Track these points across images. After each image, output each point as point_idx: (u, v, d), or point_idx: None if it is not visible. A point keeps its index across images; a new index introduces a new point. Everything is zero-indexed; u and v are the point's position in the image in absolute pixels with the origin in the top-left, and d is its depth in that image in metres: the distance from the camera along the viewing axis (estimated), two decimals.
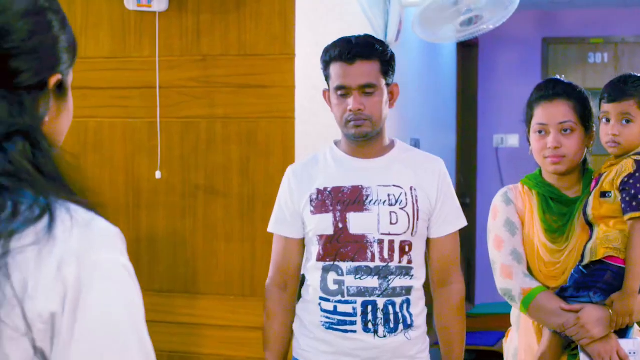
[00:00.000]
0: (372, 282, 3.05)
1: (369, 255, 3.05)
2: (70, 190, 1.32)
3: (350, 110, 3.03)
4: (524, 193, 3.24)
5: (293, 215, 3.17)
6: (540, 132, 3.13)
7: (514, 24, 7.37)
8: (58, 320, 1.22)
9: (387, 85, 3.10)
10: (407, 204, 3.08)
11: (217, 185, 4.06)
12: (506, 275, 3.13)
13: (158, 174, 4.07)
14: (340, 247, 3.07)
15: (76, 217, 1.28)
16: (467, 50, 8.69)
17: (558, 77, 3.25)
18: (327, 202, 3.09)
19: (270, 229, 3.25)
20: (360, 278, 3.05)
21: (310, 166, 3.20)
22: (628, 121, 3.03)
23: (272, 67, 3.96)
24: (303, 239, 3.20)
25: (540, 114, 3.13)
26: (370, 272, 3.04)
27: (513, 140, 8.74)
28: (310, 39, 4.10)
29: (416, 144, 6.32)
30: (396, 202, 3.07)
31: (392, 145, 3.21)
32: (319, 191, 3.12)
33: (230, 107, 4.03)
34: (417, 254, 3.12)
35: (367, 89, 3.04)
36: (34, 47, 1.36)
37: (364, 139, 3.09)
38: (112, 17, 4.16)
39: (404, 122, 6.02)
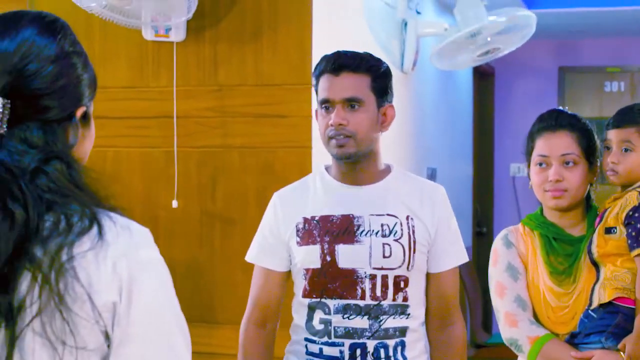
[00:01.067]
0: (362, 322, 2.75)
1: (359, 292, 2.75)
2: (101, 200, 1.61)
3: (332, 125, 2.76)
4: (525, 234, 3.04)
5: (277, 246, 2.89)
6: (541, 164, 2.97)
7: (530, 53, 7.40)
8: (117, 307, 1.52)
9: (380, 105, 2.83)
10: (402, 235, 2.78)
11: (234, 215, 4.07)
12: (511, 323, 2.93)
13: (175, 203, 4.08)
14: (328, 282, 2.78)
15: (117, 222, 1.59)
16: (484, 79, 8.70)
17: (562, 108, 3.14)
18: (314, 232, 2.81)
19: (249, 259, 3.00)
20: (348, 317, 2.76)
21: (299, 192, 2.93)
22: (627, 150, 2.91)
23: (289, 97, 3.97)
24: (286, 272, 2.92)
25: (542, 145, 2.98)
26: (359, 311, 2.75)
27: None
28: None
29: (433, 173, 6.31)
30: (390, 232, 2.78)
31: (387, 170, 2.92)
32: (305, 220, 2.84)
33: (247, 136, 4.04)
34: (415, 291, 2.83)
35: (352, 102, 2.76)
36: (61, 86, 1.61)
37: (349, 160, 2.80)
38: (130, 47, 4.18)
39: (421, 151, 6.02)
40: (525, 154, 3.07)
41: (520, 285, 2.98)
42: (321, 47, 4.02)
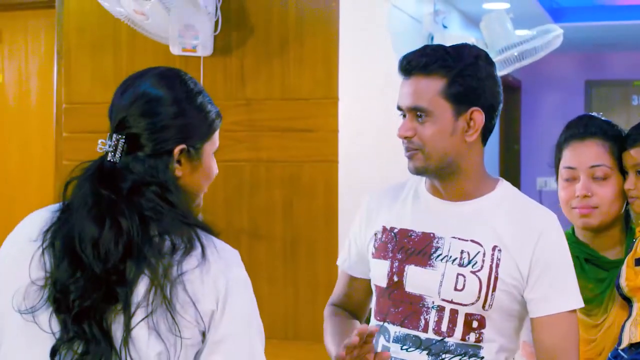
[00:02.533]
0: (420, 357, 2.36)
1: (422, 323, 2.36)
2: (190, 218, 1.98)
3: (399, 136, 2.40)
4: None
5: (359, 251, 2.56)
6: (567, 178, 2.63)
7: (557, 67, 7.39)
8: (215, 314, 1.89)
9: (459, 112, 2.34)
10: (482, 267, 2.32)
11: (261, 229, 4.07)
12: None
13: (200, 217, 4.08)
14: (392, 305, 2.42)
15: (215, 245, 1.96)
16: (510, 92, 8.68)
17: (594, 114, 2.77)
18: (389, 245, 2.45)
19: (337, 262, 2.68)
20: (407, 350, 2.38)
21: (391, 195, 2.55)
22: None
23: (315, 111, 3.98)
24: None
25: (569, 156, 2.63)
26: (419, 344, 2.36)
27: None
28: (354, 83, 4.12)
29: None
30: (469, 262, 2.34)
31: (492, 186, 2.44)
32: (384, 230, 2.48)
33: (273, 150, 4.05)
34: (495, 333, 2.35)
35: (418, 112, 2.34)
36: (154, 130, 1.96)
37: (423, 175, 2.44)
38: (157, 62, 4.20)
39: None
40: (554, 167, 2.74)
41: None
42: (348, 61, 4.03)
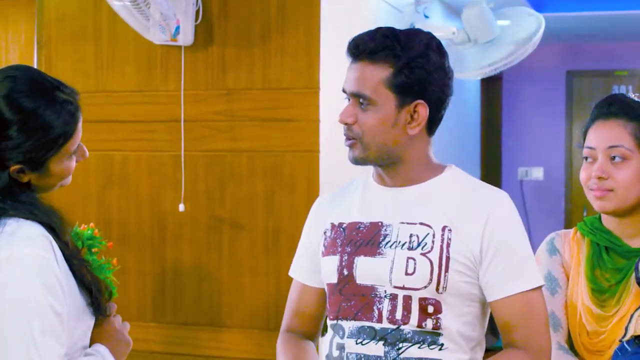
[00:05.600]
0: (376, 348, 2.26)
1: (375, 313, 2.27)
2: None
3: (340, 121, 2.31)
4: (573, 241, 2.55)
5: (312, 257, 2.47)
6: (587, 158, 2.49)
7: (538, 57, 7.38)
8: None
9: (403, 103, 2.26)
10: (432, 248, 2.24)
11: (242, 219, 4.07)
12: None
13: (181, 207, 4.08)
14: (343, 300, 2.32)
15: (18, 227, 2.01)
16: (491, 83, 8.69)
17: (629, 94, 2.60)
18: (337, 241, 2.36)
19: (290, 272, 2.60)
20: (361, 343, 2.27)
21: (339, 194, 2.49)
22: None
23: (297, 101, 3.98)
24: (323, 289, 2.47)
25: (591, 135, 2.49)
26: (374, 335, 2.26)
27: (537, 173, 8.71)
28: (335, 73, 4.11)
29: None
30: (418, 245, 2.25)
31: (438, 171, 2.37)
32: (333, 227, 2.40)
33: (255, 140, 4.04)
34: (455, 321, 2.25)
35: (360, 99, 2.27)
36: None
37: (364, 165, 2.35)
38: (138, 51, 4.19)
39: None
40: (582, 147, 2.57)
41: (557, 301, 2.50)
42: (329, 51, 4.02)
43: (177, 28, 3.96)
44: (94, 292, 2.10)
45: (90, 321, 2.13)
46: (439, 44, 2.33)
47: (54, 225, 2.05)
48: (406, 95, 2.25)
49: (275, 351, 2.51)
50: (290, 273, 2.58)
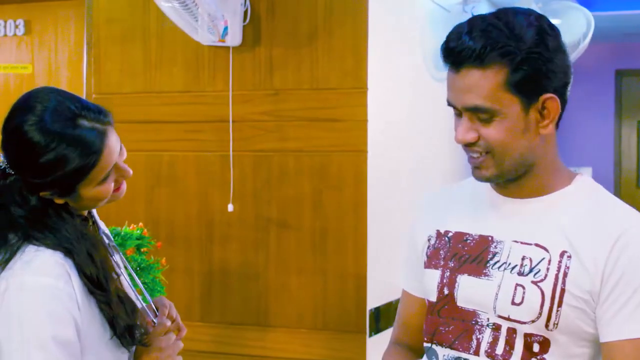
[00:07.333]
0: None
1: (474, 344, 1.98)
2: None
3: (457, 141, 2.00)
4: None
5: (415, 263, 2.20)
6: None
7: (587, 57, 7.30)
8: None
9: (529, 103, 1.93)
10: (546, 276, 1.91)
11: (289, 219, 4.07)
12: None
13: (230, 207, 4.09)
14: (441, 323, 2.05)
15: (32, 255, 2.03)
16: None
17: None
18: (440, 252, 2.09)
19: (400, 283, 2.32)
20: None
21: (447, 196, 2.20)
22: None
23: (344, 101, 3.97)
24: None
25: None
26: None
27: (587, 173, 8.64)
28: (383, 73, 4.11)
29: None
30: (530, 271, 1.93)
31: (567, 181, 2.03)
32: (438, 234, 2.13)
33: (302, 140, 4.04)
34: None
35: (478, 114, 1.93)
36: (16, 169, 2.09)
37: (497, 182, 2.04)
38: (186, 51, 4.21)
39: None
40: None
41: None
42: (377, 50, 4.01)
43: (225, 29, 3.97)
44: (116, 327, 2.07)
45: (121, 353, 2.11)
46: (548, 22, 1.98)
47: (75, 255, 2.04)
48: (531, 93, 1.92)
49: (325, 352, 2.47)
50: (399, 279, 2.32)
